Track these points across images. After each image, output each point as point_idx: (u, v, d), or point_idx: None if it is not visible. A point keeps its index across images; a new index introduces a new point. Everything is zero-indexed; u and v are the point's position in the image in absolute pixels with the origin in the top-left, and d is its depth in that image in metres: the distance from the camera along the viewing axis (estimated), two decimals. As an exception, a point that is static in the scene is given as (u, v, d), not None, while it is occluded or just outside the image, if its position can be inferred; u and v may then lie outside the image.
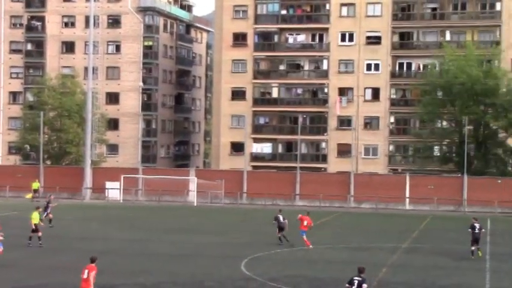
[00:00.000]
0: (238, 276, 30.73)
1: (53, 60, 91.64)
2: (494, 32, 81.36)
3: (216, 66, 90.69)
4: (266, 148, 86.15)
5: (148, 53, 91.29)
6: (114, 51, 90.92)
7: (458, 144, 72.79)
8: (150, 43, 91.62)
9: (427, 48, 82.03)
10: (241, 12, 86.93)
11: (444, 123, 77.74)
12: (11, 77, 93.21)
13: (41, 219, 42.28)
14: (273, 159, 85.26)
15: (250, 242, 41.57)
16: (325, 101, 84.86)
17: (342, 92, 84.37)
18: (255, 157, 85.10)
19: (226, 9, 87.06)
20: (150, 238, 42.84)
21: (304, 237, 39.34)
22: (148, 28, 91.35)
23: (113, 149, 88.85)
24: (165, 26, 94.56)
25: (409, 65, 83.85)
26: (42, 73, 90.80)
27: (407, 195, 68.95)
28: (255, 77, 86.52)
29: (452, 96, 72.08)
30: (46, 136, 79.72)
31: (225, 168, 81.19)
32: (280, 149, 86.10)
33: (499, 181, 67.58)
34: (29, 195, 68.82)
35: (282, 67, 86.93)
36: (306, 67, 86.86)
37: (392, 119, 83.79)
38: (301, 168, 73.57)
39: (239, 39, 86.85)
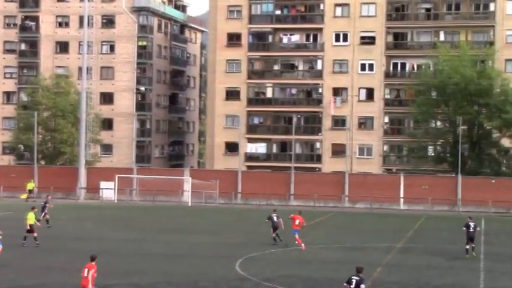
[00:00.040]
0: (233, 276, 30.74)
1: (47, 60, 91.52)
2: (488, 32, 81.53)
3: (210, 66, 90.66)
4: (260, 148, 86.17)
5: (143, 53, 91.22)
6: (108, 51, 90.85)
7: (452, 144, 72.95)
8: (144, 43, 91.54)
9: (421, 48, 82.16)
10: (235, 12, 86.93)
11: (438, 123, 77.88)
12: (5, 77, 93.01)
13: (38, 220, 42.48)
14: (267, 159, 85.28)
15: (244, 242, 41.58)
16: (319, 101, 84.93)
17: (336, 92, 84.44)
18: (250, 157, 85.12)
19: (221, 9, 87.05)
20: (144, 238, 42.81)
21: (297, 236, 39.37)
22: (143, 28, 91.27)
23: (107, 149, 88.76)
24: (159, 26, 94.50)
25: (403, 65, 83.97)
26: (36, 73, 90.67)
27: (401, 195, 69.05)
28: (249, 77, 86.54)
29: (446, 96, 72.22)
30: (40, 136, 79.62)
31: (220, 168, 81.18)
32: (274, 149, 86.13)
33: (493, 181, 67.76)
34: (24, 196, 68.75)
35: (276, 67, 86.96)
36: (300, 67, 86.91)
37: (386, 119, 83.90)
38: (295, 168, 73.61)
39: (233, 39, 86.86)
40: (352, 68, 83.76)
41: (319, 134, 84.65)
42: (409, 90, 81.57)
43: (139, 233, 45.15)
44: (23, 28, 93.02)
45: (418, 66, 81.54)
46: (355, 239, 44.74)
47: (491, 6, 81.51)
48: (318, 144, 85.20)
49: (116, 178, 70.54)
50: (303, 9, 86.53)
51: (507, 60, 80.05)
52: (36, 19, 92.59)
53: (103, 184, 71.77)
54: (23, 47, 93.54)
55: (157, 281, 29.12)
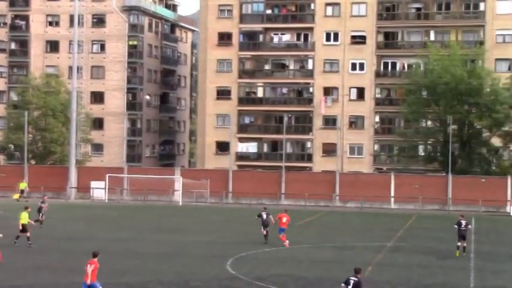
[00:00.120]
0: (224, 275, 30.75)
1: (37, 60, 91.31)
2: (478, 32, 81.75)
3: (201, 66, 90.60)
4: (251, 147, 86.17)
5: (133, 52, 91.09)
6: (99, 51, 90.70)
7: (442, 143, 73.16)
8: (135, 42, 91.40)
9: (411, 48, 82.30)
10: (226, 11, 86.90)
11: (429, 122, 78.05)
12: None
13: (37, 220, 42.62)
14: (258, 158, 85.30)
15: (235, 242, 41.59)
16: (310, 101, 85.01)
17: (327, 91, 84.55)
18: (240, 156, 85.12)
19: (211, 8, 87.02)
20: (135, 237, 42.76)
21: (282, 235, 39.50)
22: (133, 27, 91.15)
23: (98, 148, 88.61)
24: (150, 25, 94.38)
25: (393, 64, 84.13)
26: (27, 72, 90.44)
27: (392, 194, 69.21)
28: (240, 77, 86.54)
29: (437, 95, 72.43)
30: (30, 135, 79.43)
31: (210, 168, 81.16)
32: (265, 149, 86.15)
33: (483, 180, 68.00)
34: (16, 196, 68.56)
35: (267, 66, 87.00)
36: (291, 66, 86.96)
37: (377, 119, 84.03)
38: (286, 167, 73.68)
39: (224, 38, 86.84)
40: (343, 67, 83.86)
41: (310, 133, 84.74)
42: (400, 90, 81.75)
43: (130, 233, 45.10)
44: (13, 27, 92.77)
45: (409, 66, 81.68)
46: (346, 238, 44.81)
47: (481, 6, 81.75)
48: (308, 144, 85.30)
49: (107, 177, 70.41)
50: (293, 8, 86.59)
51: (497, 59, 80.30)
52: (26, 18, 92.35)
53: (94, 184, 71.63)
54: (13, 46, 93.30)
55: (148, 280, 29.10)
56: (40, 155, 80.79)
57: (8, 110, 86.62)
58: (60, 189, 71.67)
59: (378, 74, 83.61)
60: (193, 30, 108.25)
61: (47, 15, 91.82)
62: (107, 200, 70.22)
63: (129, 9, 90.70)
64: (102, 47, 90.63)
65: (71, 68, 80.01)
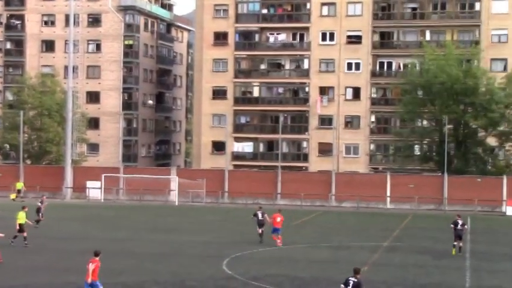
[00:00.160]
0: (220, 275, 30.74)
1: (33, 59, 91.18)
2: (474, 31, 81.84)
3: (196, 65, 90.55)
4: (247, 147, 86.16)
5: (129, 52, 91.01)
6: (95, 50, 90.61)
7: (438, 143, 73.19)
8: (131, 42, 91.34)
9: (407, 47, 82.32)
10: (222, 11, 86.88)
11: (424, 122, 78.07)
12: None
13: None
14: (254, 158, 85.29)
15: (231, 241, 41.58)
16: (306, 100, 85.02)
17: (323, 91, 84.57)
18: (236, 156, 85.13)
19: (207, 8, 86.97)
20: (131, 237, 42.74)
21: (275, 234, 39.64)
22: (129, 27, 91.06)
23: (94, 148, 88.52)
24: (145, 25, 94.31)
25: (389, 64, 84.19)
26: (22, 72, 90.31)
27: (388, 194, 69.23)
28: (236, 76, 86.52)
29: (433, 95, 72.47)
30: (26, 135, 79.28)
31: (206, 168, 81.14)
32: (261, 148, 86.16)
33: (479, 180, 68.05)
34: (13, 195, 68.44)
35: (262, 66, 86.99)
36: (287, 66, 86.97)
37: (373, 118, 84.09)
38: (282, 167, 73.67)
39: (220, 38, 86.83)
40: (338, 67, 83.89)
41: (306, 133, 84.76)
42: (396, 90, 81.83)
43: (126, 232, 45.07)
44: (9, 27, 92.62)
45: (405, 66, 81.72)
46: (342, 238, 44.83)
47: (477, 6, 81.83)
48: (304, 143, 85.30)
49: (103, 177, 70.34)
50: (289, 8, 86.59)
51: (492, 59, 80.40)
52: (21, 18, 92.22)
53: (89, 183, 71.53)
54: (8, 45, 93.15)
55: (144, 280, 29.09)
56: (36, 154, 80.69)
57: (4, 109, 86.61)
58: (55, 189, 71.54)
59: (373, 74, 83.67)
60: (189, 30, 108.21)
61: (43, 15, 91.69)
62: (102, 200, 70.15)
63: (124, 9, 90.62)
64: (98, 47, 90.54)
65: (66, 67, 79.93)
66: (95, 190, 71.12)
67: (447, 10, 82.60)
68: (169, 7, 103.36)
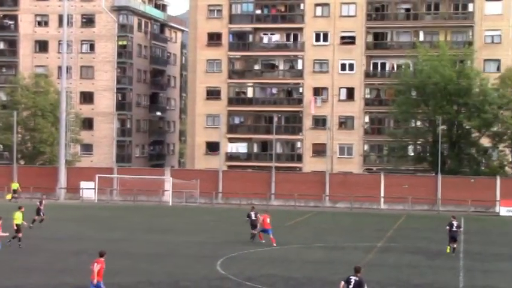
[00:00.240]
0: (214, 275, 30.77)
1: (26, 60, 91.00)
2: (467, 32, 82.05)
3: (190, 66, 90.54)
4: (241, 148, 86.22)
5: (123, 52, 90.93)
6: (88, 51, 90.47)
7: (432, 143, 73.34)
8: (125, 42, 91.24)
9: (400, 48, 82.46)
10: (215, 11, 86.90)
11: (418, 123, 78.20)
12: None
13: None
14: (248, 158, 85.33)
15: (225, 242, 41.60)
16: (300, 101, 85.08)
17: (317, 91, 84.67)
18: (230, 157, 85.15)
19: (201, 8, 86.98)
20: (126, 238, 42.72)
21: (265, 234, 39.74)
22: (123, 27, 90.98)
23: (88, 148, 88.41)
24: (139, 25, 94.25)
25: (383, 65, 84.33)
26: (15, 72, 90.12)
27: (382, 194, 69.33)
28: (229, 77, 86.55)
29: (426, 96, 72.61)
30: (20, 136, 79.13)
31: (200, 168, 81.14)
32: (255, 149, 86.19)
33: (472, 180, 68.21)
34: (9, 196, 68.34)
35: (256, 67, 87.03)
36: (281, 67, 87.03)
37: (366, 119, 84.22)
38: (276, 167, 73.70)
39: (214, 38, 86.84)
40: (332, 67, 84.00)
41: (300, 133, 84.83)
42: (389, 90, 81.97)
43: (120, 233, 45.05)
44: (2, 27, 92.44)
45: (398, 66, 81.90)
46: (335, 239, 44.89)
47: (470, 7, 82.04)
48: (298, 144, 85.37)
49: (96, 178, 70.30)
50: (283, 9, 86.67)
51: (486, 60, 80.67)
52: (15, 18, 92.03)
53: (83, 184, 71.46)
54: (1, 46, 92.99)
55: (138, 281, 29.11)
56: (29, 155, 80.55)
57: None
58: (49, 189, 71.29)
59: (367, 75, 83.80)
60: (182, 30, 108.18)
61: (36, 15, 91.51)
62: (96, 201, 70.09)
63: (118, 9, 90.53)
64: (92, 47, 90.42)
65: (60, 68, 79.83)
66: (88, 191, 71.06)
67: (440, 11, 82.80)
68: (163, 7, 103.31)
